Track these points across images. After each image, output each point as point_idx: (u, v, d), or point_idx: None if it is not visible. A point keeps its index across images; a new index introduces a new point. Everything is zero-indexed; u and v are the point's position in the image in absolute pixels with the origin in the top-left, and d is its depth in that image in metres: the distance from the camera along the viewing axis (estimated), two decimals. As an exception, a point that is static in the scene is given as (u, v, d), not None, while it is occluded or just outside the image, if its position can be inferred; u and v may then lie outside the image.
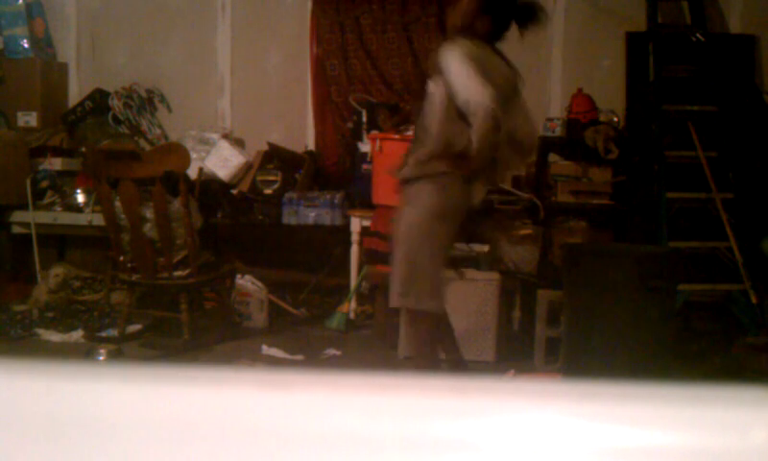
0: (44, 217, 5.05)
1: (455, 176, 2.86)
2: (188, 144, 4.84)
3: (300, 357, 3.99)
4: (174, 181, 4.01)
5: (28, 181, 5.03)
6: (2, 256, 5.25)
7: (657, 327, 3.21)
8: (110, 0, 5.89)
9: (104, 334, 4.25)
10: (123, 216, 4.06)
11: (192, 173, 4.53)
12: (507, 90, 2.91)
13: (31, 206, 5.01)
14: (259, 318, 4.57)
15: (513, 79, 2.97)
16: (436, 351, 3.17)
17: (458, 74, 2.76)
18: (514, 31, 2.99)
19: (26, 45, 5.53)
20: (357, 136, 5.09)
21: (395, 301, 2.97)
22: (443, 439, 0.48)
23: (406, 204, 2.94)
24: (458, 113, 2.79)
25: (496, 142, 2.79)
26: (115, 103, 5.37)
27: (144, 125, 5.45)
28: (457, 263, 3.73)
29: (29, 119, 5.44)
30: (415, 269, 2.88)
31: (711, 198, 4.71)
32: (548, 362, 3.78)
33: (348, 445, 0.48)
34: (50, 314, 4.51)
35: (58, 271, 4.57)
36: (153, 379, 0.53)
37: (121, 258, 4.16)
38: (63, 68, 5.83)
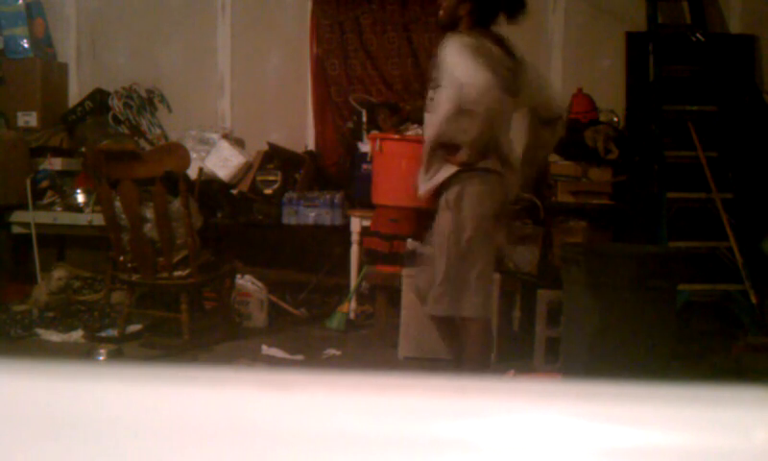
0: (44, 217, 5.05)
1: (496, 174, 2.86)
2: (188, 144, 4.84)
3: (300, 357, 3.99)
4: (174, 182, 4.01)
5: (28, 182, 5.03)
6: (2, 256, 5.25)
7: (657, 327, 3.21)
8: (110, 0, 5.89)
9: (104, 334, 4.25)
10: (123, 216, 4.06)
11: (192, 173, 4.53)
12: (508, 78, 2.85)
13: (31, 206, 5.01)
14: (259, 318, 4.57)
15: (515, 66, 2.91)
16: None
17: (455, 64, 2.75)
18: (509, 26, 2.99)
19: (26, 45, 5.53)
20: (357, 136, 5.09)
21: (446, 308, 2.93)
22: (443, 439, 0.48)
23: (447, 208, 2.90)
24: (461, 109, 2.78)
25: (491, 129, 2.78)
26: (115, 103, 5.37)
27: (144, 125, 5.45)
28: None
29: (29, 119, 5.44)
30: (470, 275, 2.88)
31: (711, 198, 4.71)
32: (548, 362, 3.78)
33: (348, 445, 0.48)
34: (50, 314, 4.51)
35: (60, 274, 4.57)
36: (153, 379, 0.53)
37: (121, 258, 4.16)
38: (63, 68, 5.83)
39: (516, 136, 2.98)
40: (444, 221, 2.91)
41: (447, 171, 2.87)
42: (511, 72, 2.87)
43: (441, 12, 2.97)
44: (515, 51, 2.93)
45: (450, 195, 2.87)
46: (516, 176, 2.98)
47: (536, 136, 3.03)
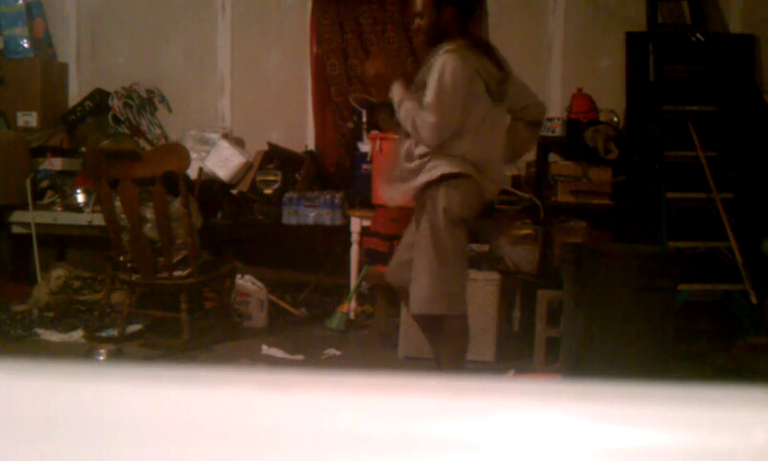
0: (44, 217, 5.05)
1: (469, 177, 2.87)
2: (188, 144, 4.84)
3: (300, 357, 3.99)
4: (174, 182, 4.01)
5: (28, 182, 5.04)
6: (2, 256, 5.25)
7: (657, 327, 3.21)
8: (110, 0, 5.90)
9: (104, 334, 4.25)
10: (123, 216, 4.06)
11: (192, 173, 4.53)
12: (496, 90, 2.89)
13: (31, 206, 5.02)
14: (259, 318, 4.57)
15: (503, 76, 2.93)
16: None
17: (444, 84, 2.75)
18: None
19: (26, 45, 5.54)
20: (357, 136, 5.09)
21: (423, 307, 2.94)
22: (443, 439, 0.48)
23: (424, 210, 2.91)
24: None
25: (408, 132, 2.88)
26: (115, 103, 5.37)
27: (144, 125, 5.45)
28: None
29: (29, 119, 5.44)
30: (444, 273, 2.88)
31: (711, 198, 4.71)
32: (548, 362, 3.78)
33: (348, 445, 0.48)
34: (50, 314, 4.51)
35: (59, 273, 4.57)
36: (153, 379, 0.53)
37: (121, 258, 4.16)
38: (63, 68, 5.83)
39: (498, 138, 2.98)
40: (422, 222, 2.92)
41: (429, 175, 2.88)
42: (499, 83, 2.90)
43: (422, 35, 2.90)
44: (503, 62, 2.94)
45: (428, 197, 2.88)
46: (493, 178, 3.01)
47: (515, 136, 3.08)
